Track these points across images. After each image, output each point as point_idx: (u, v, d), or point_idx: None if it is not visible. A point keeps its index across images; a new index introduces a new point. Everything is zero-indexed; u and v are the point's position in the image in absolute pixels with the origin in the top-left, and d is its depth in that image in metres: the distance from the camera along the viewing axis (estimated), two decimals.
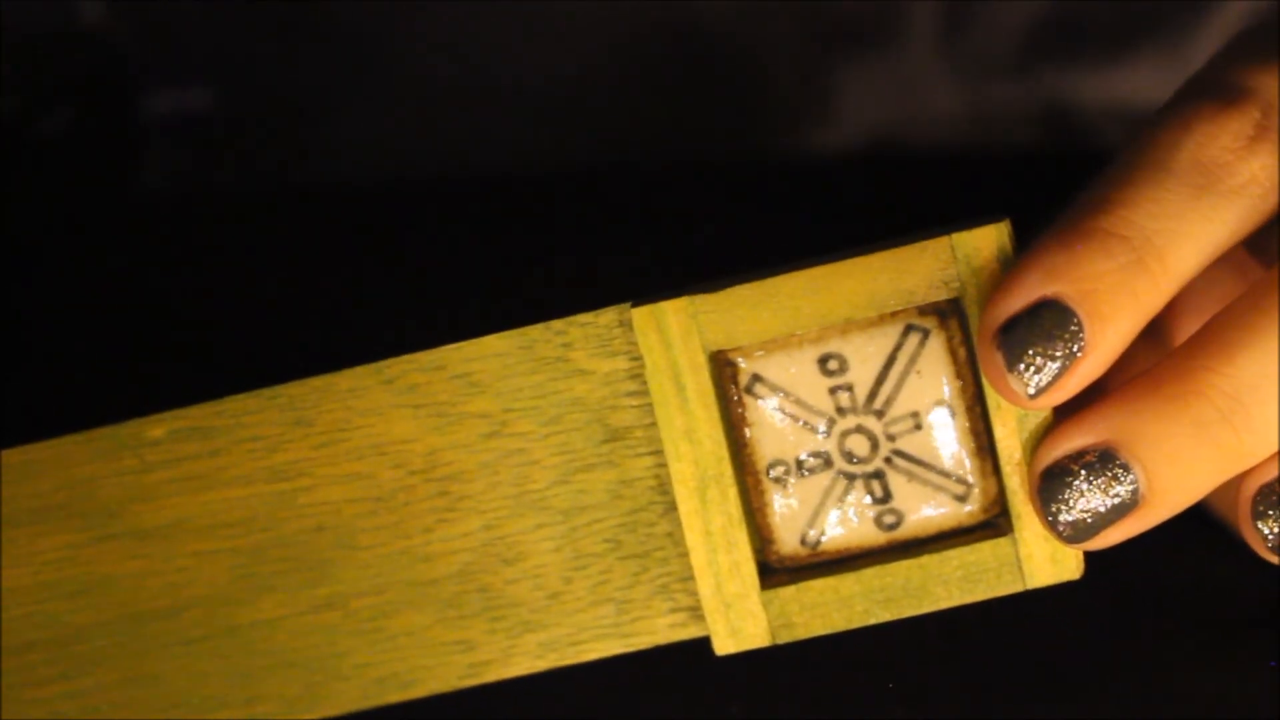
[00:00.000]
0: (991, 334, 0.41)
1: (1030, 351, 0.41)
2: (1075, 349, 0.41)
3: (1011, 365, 0.41)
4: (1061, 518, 0.42)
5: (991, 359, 0.41)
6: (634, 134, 0.64)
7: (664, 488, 0.44)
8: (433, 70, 0.63)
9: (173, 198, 0.62)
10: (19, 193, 0.60)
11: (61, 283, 0.60)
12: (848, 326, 0.43)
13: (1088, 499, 0.42)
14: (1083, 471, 0.42)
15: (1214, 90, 0.43)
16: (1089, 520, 0.42)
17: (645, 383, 0.44)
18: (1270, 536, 0.42)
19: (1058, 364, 0.41)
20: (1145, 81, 0.63)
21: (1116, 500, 0.41)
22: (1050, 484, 0.42)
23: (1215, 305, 0.45)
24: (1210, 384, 0.41)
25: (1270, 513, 0.42)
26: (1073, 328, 0.41)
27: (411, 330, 0.56)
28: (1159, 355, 0.43)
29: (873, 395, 0.43)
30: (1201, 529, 0.47)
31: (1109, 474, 0.41)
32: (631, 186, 0.62)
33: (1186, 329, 0.46)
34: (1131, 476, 0.41)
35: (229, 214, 0.61)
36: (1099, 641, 0.45)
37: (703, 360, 0.43)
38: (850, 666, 0.46)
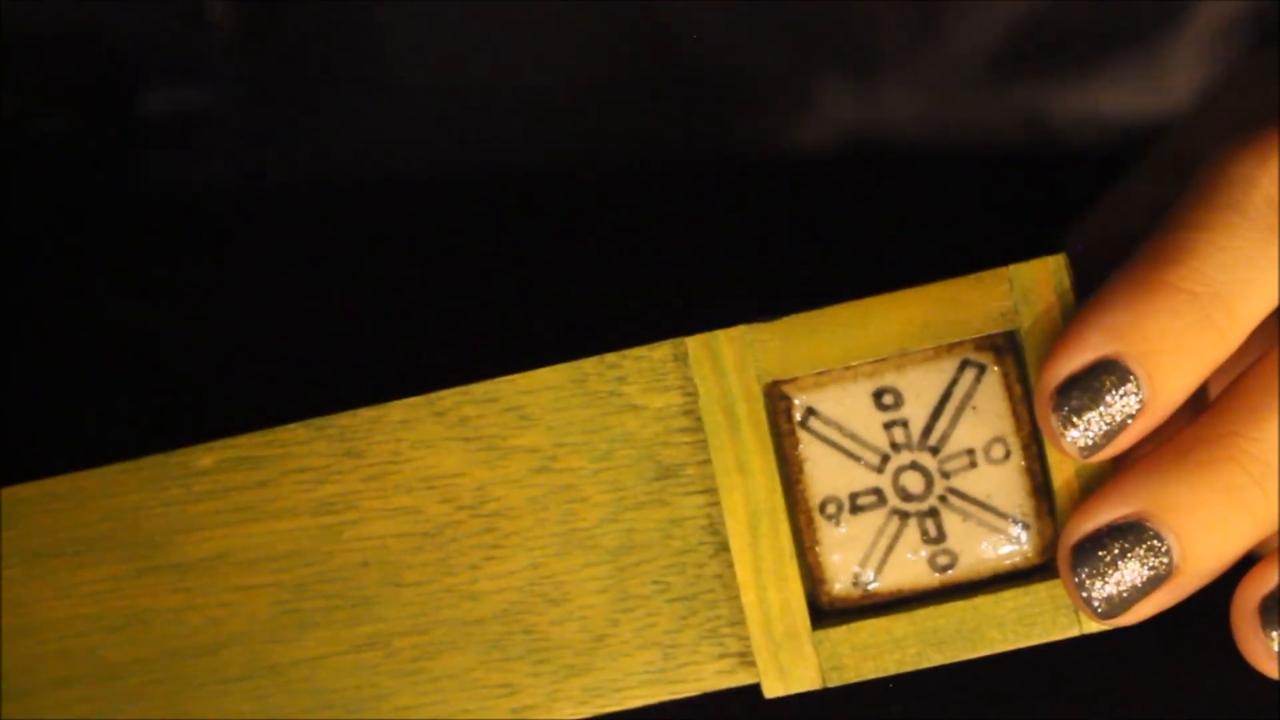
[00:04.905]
0: (1049, 393, 0.41)
1: (1085, 415, 0.41)
2: (1132, 410, 0.41)
3: (1067, 426, 0.41)
4: (1095, 593, 0.41)
5: (1047, 418, 0.41)
6: (616, 136, 0.64)
7: (715, 528, 0.43)
8: (428, 72, 0.63)
9: (174, 197, 0.62)
10: (19, 192, 0.60)
11: (60, 282, 0.60)
12: (903, 361, 0.43)
13: (1122, 571, 0.41)
14: (1115, 544, 0.41)
15: None
16: (1124, 594, 0.41)
17: (698, 419, 0.43)
18: None
19: (1115, 426, 0.41)
20: (1120, 92, 0.62)
21: (1151, 572, 0.41)
22: (1082, 559, 0.41)
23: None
24: (1241, 449, 0.41)
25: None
26: (1130, 389, 0.40)
27: (411, 329, 0.56)
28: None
29: (928, 431, 0.43)
30: None
31: (1143, 544, 0.41)
32: (616, 188, 0.62)
33: None
34: (1165, 546, 0.41)
35: (230, 214, 0.61)
36: (1099, 641, 0.44)
37: (757, 390, 0.43)
38: None
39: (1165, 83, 0.61)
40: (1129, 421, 0.41)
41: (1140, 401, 0.40)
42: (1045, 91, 0.62)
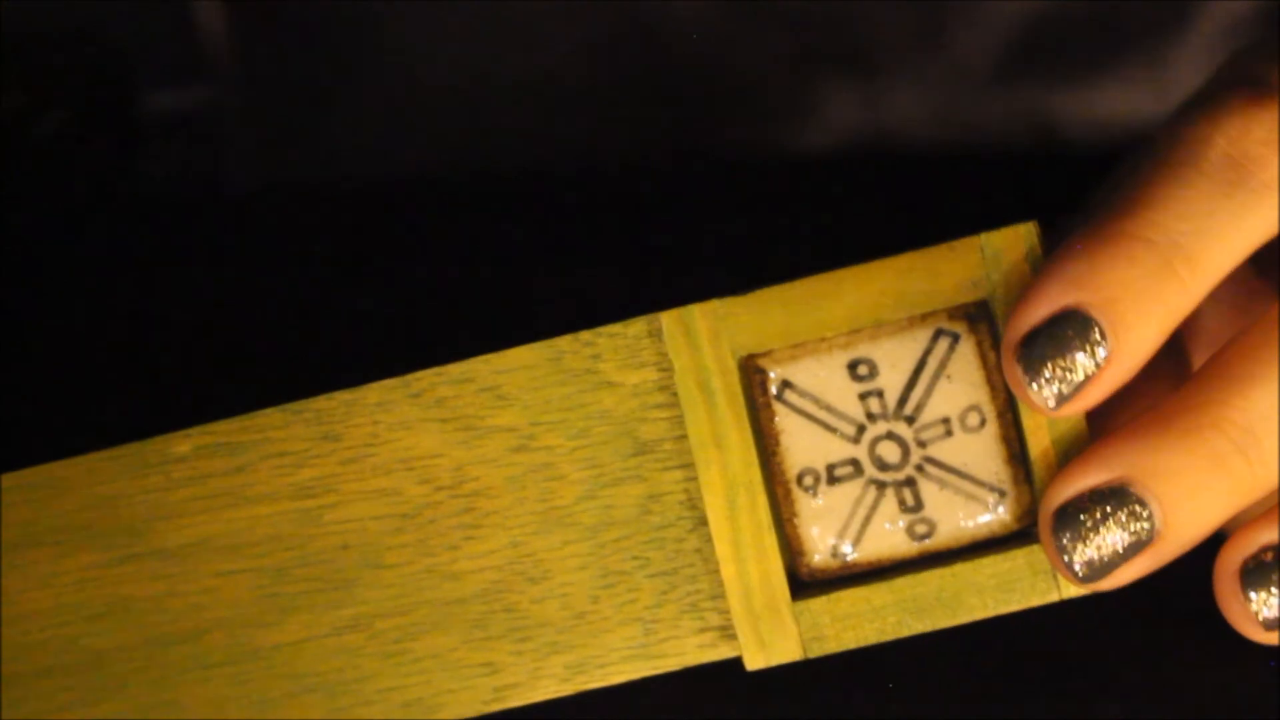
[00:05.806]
0: (1013, 346, 0.41)
1: (1050, 364, 0.41)
2: (1098, 359, 0.41)
3: (1032, 378, 0.41)
4: (1076, 557, 0.41)
5: (1013, 371, 0.41)
6: (617, 137, 0.64)
7: (693, 502, 0.44)
8: (426, 71, 0.63)
9: (174, 196, 0.62)
10: (19, 192, 0.60)
11: (60, 283, 0.60)
12: (877, 331, 0.43)
13: (1104, 536, 0.41)
14: (1097, 509, 0.41)
15: (1245, 84, 0.42)
16: (1105, 558, 0.41)
17: (674, 394, 0.43)
18: (1267, 612, 0.42)
19: (1079, 375, 0.41)
20: (1124, 94, 0.63)
21: (1133, 537, 0.41)
22: (1064, 522, 0.41)
23: (1224, 310, 0.44)
24: (1224, 417, 0.41)
25: (1262, 582, 0.41)
26: (1095, 337, 0.41)
27: (411, 326, 0.56)
28: (1171, 359, 0.42)
29: (903, 401, 0.43)
30: None
31: (1125, 510, 0.41)
32: (617, 188, 0.62)
33: (1196, 335, 0.46)
34: (1148, 512, 0.41)
35: (230, 212, 0.61)
36: (1099, 639, 0.44)
37: (731, 364, 0.43)
38: (850, 665, 0.45)
39: (1169, 85, 0.62)
40: (1095, 371, 0.41)
41: (1105, 350, 0.41)
42: (1049, 94, 0.63)
